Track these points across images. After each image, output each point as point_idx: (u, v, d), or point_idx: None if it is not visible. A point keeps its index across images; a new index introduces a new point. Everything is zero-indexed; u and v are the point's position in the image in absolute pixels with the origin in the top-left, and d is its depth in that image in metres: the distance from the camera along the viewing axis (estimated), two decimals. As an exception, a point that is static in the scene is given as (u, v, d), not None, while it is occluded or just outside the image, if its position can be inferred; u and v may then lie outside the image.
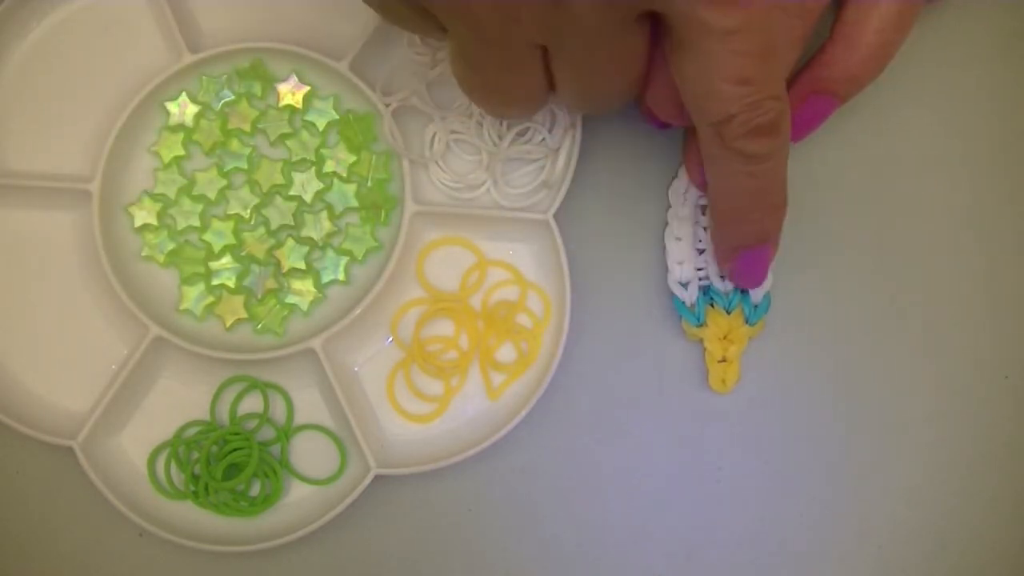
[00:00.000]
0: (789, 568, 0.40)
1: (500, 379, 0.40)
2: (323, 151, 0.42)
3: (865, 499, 0.40)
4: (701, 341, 0.40)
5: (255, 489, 0.40)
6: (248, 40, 0.41)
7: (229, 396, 0.41)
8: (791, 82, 0.38)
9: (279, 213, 0.41)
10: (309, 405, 0.41)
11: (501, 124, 0.41)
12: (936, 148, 0.42)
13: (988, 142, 0.42)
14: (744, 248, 0.37)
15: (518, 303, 0.41)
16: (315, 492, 0.40)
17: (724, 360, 0.40)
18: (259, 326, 0.41)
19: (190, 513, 0.40)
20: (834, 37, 0.37)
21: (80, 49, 0.42)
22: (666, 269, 0.40)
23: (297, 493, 0.40)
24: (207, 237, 0.41)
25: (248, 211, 0.41)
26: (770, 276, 0.40)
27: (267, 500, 0.40)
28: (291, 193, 0.41)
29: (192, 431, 0.40)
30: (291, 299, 0.41)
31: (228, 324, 0.41)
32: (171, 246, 0.41)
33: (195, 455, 0.40)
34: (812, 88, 0.38)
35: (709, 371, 0.40)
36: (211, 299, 0.41)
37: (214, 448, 0.40)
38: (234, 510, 0.40)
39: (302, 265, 0.41)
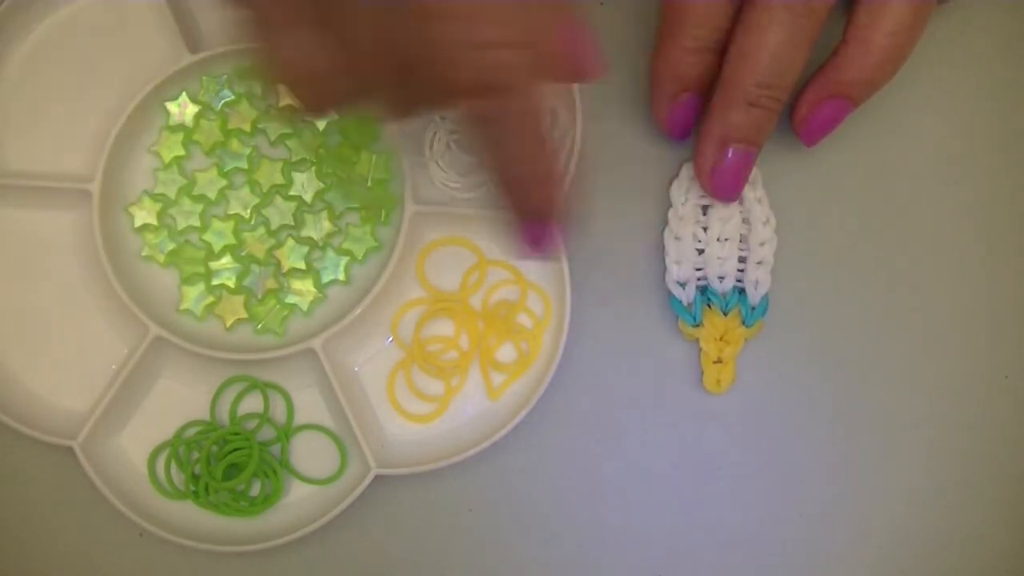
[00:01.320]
0: (789, 568, 0.40)
1: (500, 379, 0.40)
2: (323, 151, 0.41)
3: (865, 499, 0.40)
4: (697, 341, 0.40)
5: (255, 489, 0.40)
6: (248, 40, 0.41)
7: (229, 396, 0.41)
8: (804, 86, 0.38)
9: (279, 213, 0.41)
10: (309, 405, 0.41)
11: (501, 124, 0.41)
12: (936, 149, 0.42)
13: (988, 143, 0.42)
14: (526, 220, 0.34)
15: (518, 303, 0.41)
16: (315, 492, 0.40)
17: (719, 361, 0.40)
18: (259, 326, 0.41)
19: (190, 513, 0.40)
20: (847, 40, 0.37)
21: (80, 49, 0.42)
22: (665, 269, 0.40)
23: (297, 493, 0.40)
24: (207, 237, 0.41)
25: (248, 211, 0.41)
26: (768, 278, 0.40)
27: (267, 500, 0.40)
28: (291, 193, 0.41)
29: (192, 431, 0.40)
30: (291, 299, 0.41)
31: (228, 324, 0.41)
32: (171, 246, 0.41)
33: (195, 455, 0.40)
34: (826, 92, 0.38)
35: (704, 372, 0.40)
36: (211, 299, 0.41)
37: (214, 448, 0.40)
38: (234, 510, 0.40)
39: (302, 265, 0.41)
